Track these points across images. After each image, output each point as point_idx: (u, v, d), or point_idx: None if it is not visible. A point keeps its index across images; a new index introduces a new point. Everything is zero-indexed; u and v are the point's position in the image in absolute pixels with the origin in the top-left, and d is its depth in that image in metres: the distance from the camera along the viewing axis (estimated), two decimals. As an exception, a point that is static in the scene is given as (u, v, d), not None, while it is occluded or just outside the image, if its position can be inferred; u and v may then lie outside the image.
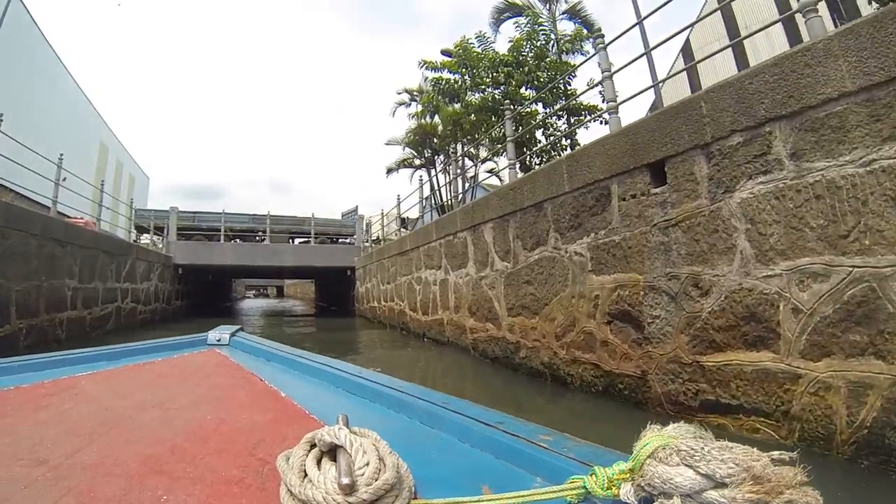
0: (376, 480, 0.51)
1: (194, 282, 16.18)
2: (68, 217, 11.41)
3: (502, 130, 7.78)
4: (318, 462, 0.56)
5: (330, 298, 22.43)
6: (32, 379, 1.15)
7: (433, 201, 13.01)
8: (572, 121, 9.58)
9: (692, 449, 0.46)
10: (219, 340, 1.70)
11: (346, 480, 0.49)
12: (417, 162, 15.78)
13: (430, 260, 7.39)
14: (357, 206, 16.51)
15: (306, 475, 0.54)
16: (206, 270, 15.59)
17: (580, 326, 3.74)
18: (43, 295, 6.28)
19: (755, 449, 0.44)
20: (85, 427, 0.82)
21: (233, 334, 1.74)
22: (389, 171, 16.88)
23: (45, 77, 17.08)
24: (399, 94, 15.17)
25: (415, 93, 14.47)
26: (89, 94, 21.26)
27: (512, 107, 6.72)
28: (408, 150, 15.40)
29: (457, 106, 10.79)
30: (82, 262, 7.49)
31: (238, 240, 15.36)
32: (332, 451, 0.57)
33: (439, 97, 10.95)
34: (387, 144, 16.09)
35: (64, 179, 8.50)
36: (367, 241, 15.30)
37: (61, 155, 8.04)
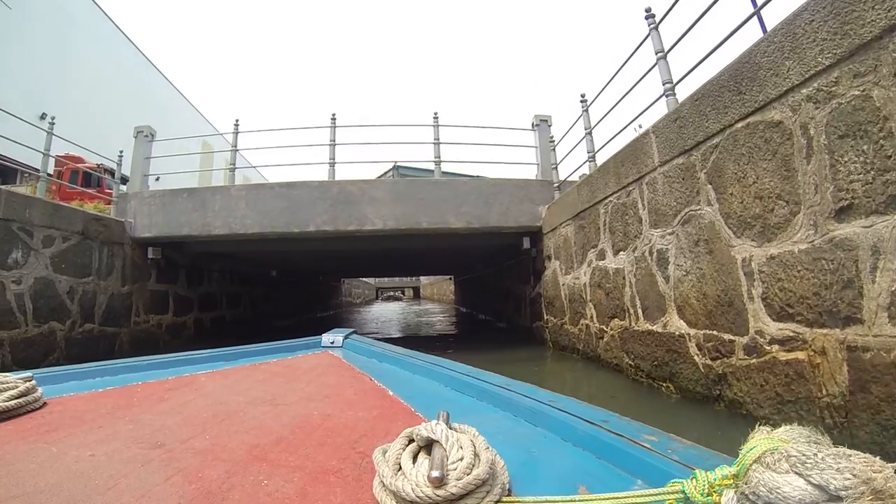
0: (468, 475, 0.52)
1: (238, 280, 10.31)
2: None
3: None
4: (415, 456, 0.60)
5: (477, 302, 14.41)
6: (158, 376, 1.33)
7: None
8: None
9: (804, 455, 0.42)
10: (332, 343, 1.85)
11: (435, 473, 0.51)
12: None
13: None
14: (550, 116, 7.40)
15: (400, 468, 0.57)
16: (216, 254, 8.49)
17: None
18: None
19: (878, 458, 0.40)
20: (200, 418, 0.94)
21: (346, 337, 1.88)
22: None
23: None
24: None
25: None
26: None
27: None
28: None
29: None
30: None
31: None
32: (430, 446, 0.60)
33: None
34: None
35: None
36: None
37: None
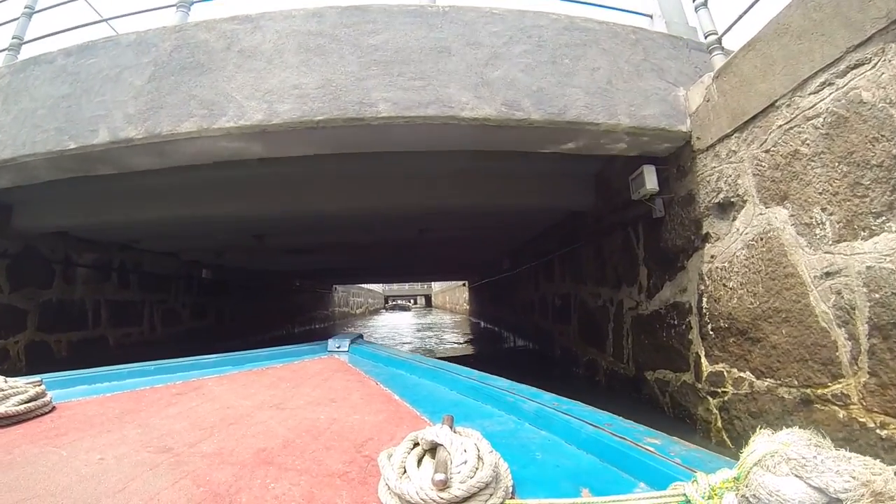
0: (471, 478, 0.53)
1: (137, 283, 6.27)
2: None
3: None
4: (420, 460, 0.61)
5: (502, 315, 10.21)
6: (166, 380, 1.34)
7: None
8: None
9: (804, 458, 0.42)
10: (338, 347, 1.87)
11: (439, 476, 0.52)
12: None
13: None
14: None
15: (405, 472, 0.58)
16: (83, 237, 4.98)
17: None
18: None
19: (878, 461, 0.40)
20: (207, 422, 0.95)
21: (352, 341, 1.91)
22: None
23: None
24: None
25: None
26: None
27: None
28: None
29: None
30: None
31: None
32: (434, 450, 0.60)
33: None
34: None
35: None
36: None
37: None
